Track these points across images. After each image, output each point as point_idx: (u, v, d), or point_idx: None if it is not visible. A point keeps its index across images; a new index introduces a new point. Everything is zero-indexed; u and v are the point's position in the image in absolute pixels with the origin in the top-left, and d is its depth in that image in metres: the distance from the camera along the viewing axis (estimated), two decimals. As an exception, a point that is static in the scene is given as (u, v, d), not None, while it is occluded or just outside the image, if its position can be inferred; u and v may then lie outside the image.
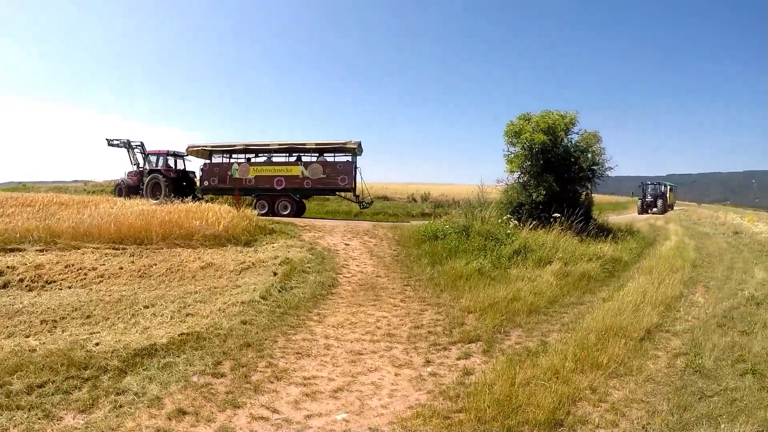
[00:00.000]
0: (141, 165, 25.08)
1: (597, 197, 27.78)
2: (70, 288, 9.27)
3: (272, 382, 5.46)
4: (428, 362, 6.43)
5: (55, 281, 9.65)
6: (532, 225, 15.71)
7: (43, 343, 6.09)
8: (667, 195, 44.89)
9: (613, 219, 27.51)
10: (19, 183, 54.34)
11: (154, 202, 20.54)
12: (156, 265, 10.62)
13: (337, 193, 22.65)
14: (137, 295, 8.68)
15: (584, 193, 20.44)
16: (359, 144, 20.96)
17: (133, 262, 10.75)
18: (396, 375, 5.95)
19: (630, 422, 4.95)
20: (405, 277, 11.47)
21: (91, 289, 9.17)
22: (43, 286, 9.36)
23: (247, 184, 21.83)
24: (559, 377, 5.79)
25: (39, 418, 4.35)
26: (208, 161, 23.35)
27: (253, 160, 22.77)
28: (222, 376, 5.51)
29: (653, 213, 40.37)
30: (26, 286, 9.40)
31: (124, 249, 11.67)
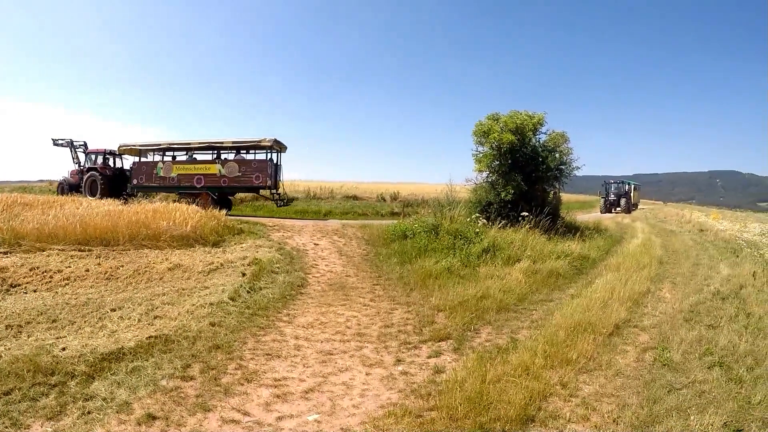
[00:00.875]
0: (82, 164, 25.49)
1: (565, 196, 28.18)
2: (35, 291, 9.05)
3: (242, 384, 5.44)
4: (399, 361, 6.47)
5: (19, 284, 9.41)
6: (500, 224, 15.96)
7: (8, 349, 5.97)
8: (632, 194, 45.07)
9: (581, 217, 27.94)
10: (-18, 183, 53.09)
11: (91, 199, 20.83)
12: (123, 266, 10.47)
13: (255, 191, 22.60)
14: (104, 297, 8.55)
15: (552, 192, 20.75)
16: (275, 141, 20.94)
17: (99, 263, 10.57)
18: (367, 374, 5.99)
19: (601, 416, 5.08)
20: (374, 277, 11.56)
21: (56, 292, 8.98)
22: (7, 290, 9.11)
23: (170, 183, 22.17)
24: (530, 373, 5.90)
25: (6, 427, 4.30)
26: (138, 160, 23.67)
27: (178, 158, 22.99)
28: (191, 379, 5.47)
29: (617, 212, 40.43)
30: (-10, 291, 9.31)
31: (90, 250, 11.50)
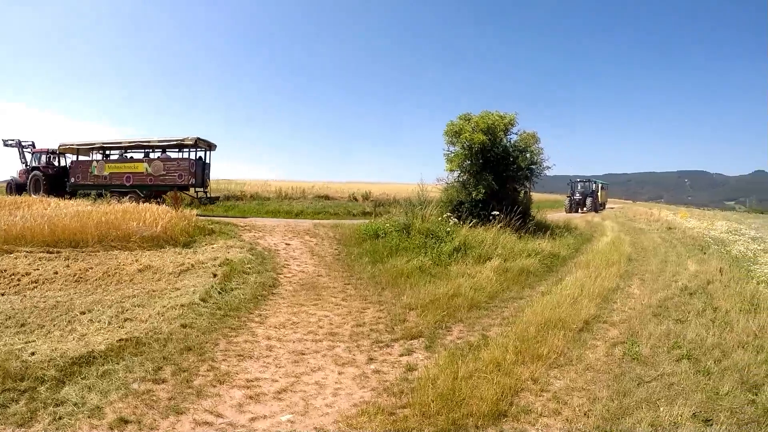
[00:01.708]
0: (29, 163, 26.04)
1: (536, 195, 28.55)
2: (2, 295, 8.88)
3: (215, 386, 5.43)
4: (371, 360, 6.52)
5: (-14, 288, 9.32)
6: (471, 223, 16.11)
7: (-24, 354, 5.95)
8: (599, 193, 44.52)
9: (552, 216, 28.23)
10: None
11: (35, 197, 21.61)
12: (92, 268, 10.32)
13: (180, 190, 22.06)
14: (73, 300, 8.39)
15: (523, 191, 21.04)
16: (198, 139, 21.00)
17: (68, 266, 10.40)
18: (339, 374, 6.03)
19: (572, 410, 5.20)
20: (346, 276, 11.60)
21: (24, 295, 8.81)
22: (-27, 294, 9.00)
23: (103, 181, 22.49)
24: (501, 369, 6.00)
25: (-25, 434, 4.26)
26: (75, 158, 24.14)
27: (111, 157, 23.27)
28: (163, 381, 5.44)
29: (583, 212, 39.67)
30: (-44, 295, 9.06)
31: (58, 252, 11.32)
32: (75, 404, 4.76)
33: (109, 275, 10.00)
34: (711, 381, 5.97)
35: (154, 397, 5.07)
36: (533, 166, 19.52)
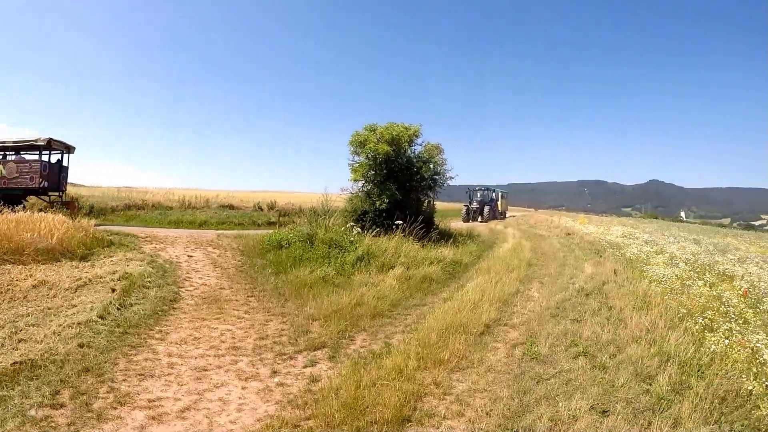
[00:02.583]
0: None
1: (440, 204, 29.47)
2: None
3: (116, 408, 5.34)
4: (275, 373, 6.61)
5: None
6: (375, 232, 16.67)
7: None
8: (499, 202, 44.92)
9: (455, 225, 29.11)
10: None
11: None
12: None
13: (31, 194, 21.16)
14: None
15: (426, 201, 21.75)
16: (50, 141, 20.27)
17: None
18: (243, 388, 6.07)
19: (474, 411, 5.52)
20: (249, 288, 11.55)
21: None
22: None
23: None
24: (404, 376, 6.28)
25: None
26: None
27: None
28: (62, 406, 5.30)
29: (481, 221, 39.22)
30: None
31: None
32: (-32, 435, 4.65)
33: (1, 292, 9.50)
34: (607, 375, 6.47)
35: (53, 423, 4.95)
36: (437, 176, 20.26)
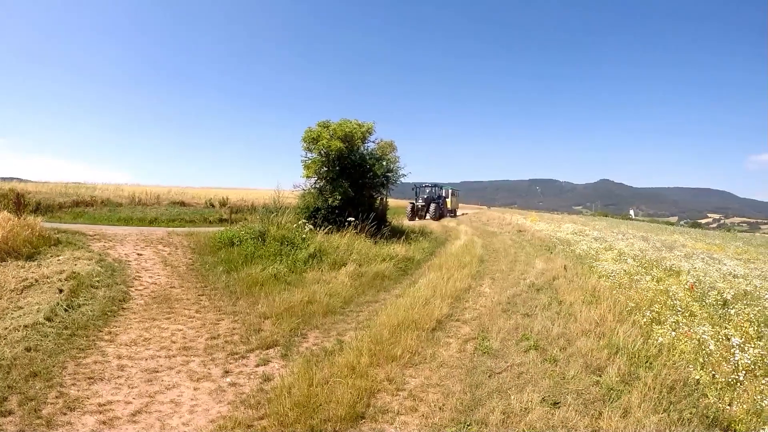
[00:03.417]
0: None
1: (394, 202, 29.73)
2: None
3: (65, 414, 5.24)
4: (227, 372, 6.57)
5: None
6: (327, 229, 16.53)
7: None
8: (449, 199, 43.46)
9: (408, 222, 29.38)
10: None
11: None
12: None
13: None
14: None
15: (379, 198, 21.90)
16: None
17: None
18: (195, 389, 6.02)
19: (428, 405, 5.60)
20: (200, 287, 11.43)
21: None
22: None
23: None
24: (356, 372, 6.34)
25: None
26: None
27: None
28: (10, 413, 5.18)
29: (428, 219, 37.76)
30: None
31: None
32: None
33: None
34: (557, 367, 6.62)
35: (2, 431, 4.88)
36: (389, 174, 20.43)
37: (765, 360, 6.25)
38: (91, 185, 36.69)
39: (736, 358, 6.28)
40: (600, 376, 6.33)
